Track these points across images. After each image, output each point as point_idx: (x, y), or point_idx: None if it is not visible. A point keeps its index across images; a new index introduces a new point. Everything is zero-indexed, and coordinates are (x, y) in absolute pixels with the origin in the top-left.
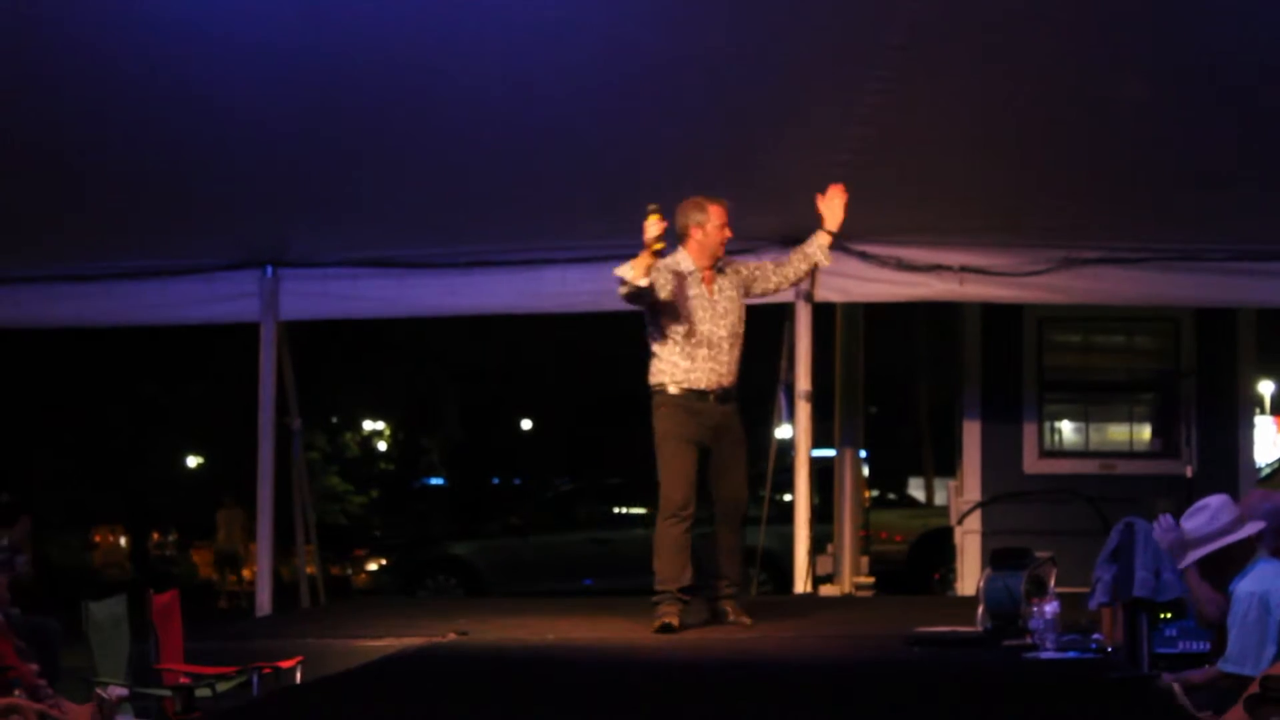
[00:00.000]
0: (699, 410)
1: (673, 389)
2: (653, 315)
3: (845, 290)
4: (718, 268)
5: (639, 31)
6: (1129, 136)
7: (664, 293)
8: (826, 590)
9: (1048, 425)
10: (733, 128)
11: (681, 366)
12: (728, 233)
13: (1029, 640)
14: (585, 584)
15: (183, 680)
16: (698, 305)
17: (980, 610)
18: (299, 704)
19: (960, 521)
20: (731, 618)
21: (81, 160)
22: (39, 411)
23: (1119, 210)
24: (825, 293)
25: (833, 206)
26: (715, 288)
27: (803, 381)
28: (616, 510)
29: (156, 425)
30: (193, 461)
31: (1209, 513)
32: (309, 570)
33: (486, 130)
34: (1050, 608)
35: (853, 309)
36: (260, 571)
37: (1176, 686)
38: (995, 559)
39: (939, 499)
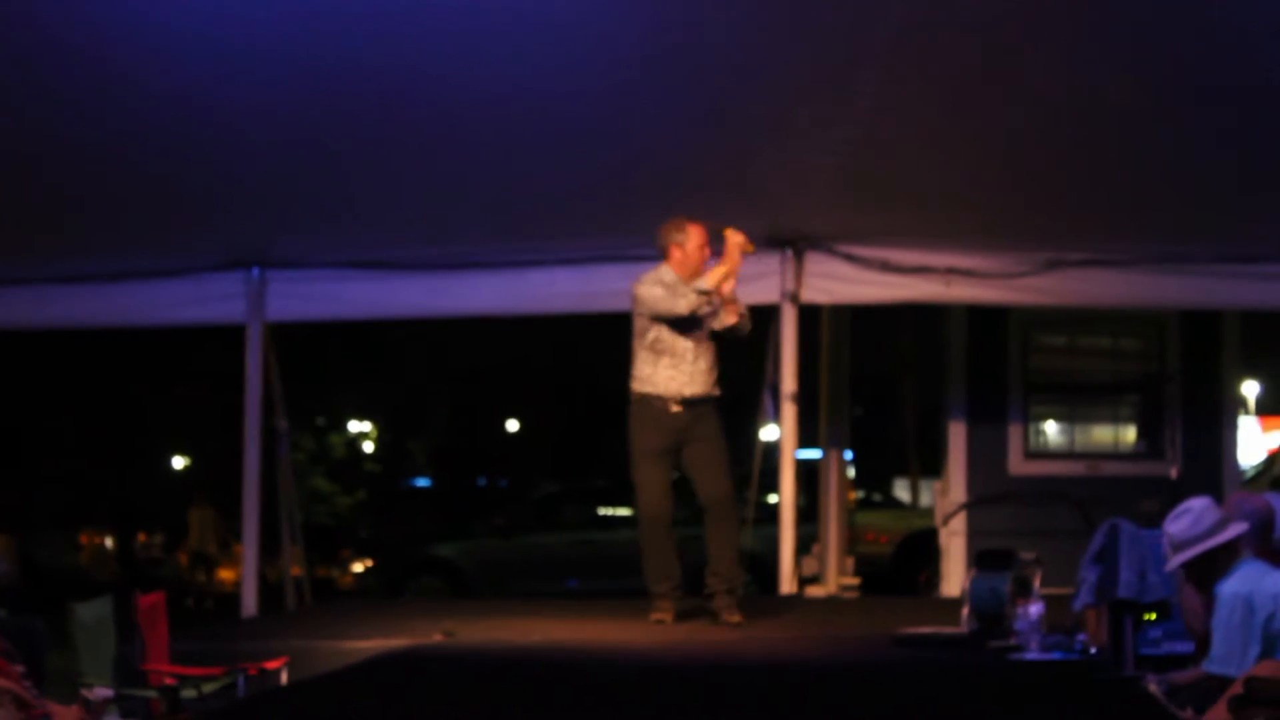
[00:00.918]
0: (659, 414)
1: (636, 393)
2: (637, 325)
3: (831, 292)
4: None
5: (628, 34)
6: (1115, 139)
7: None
8: (812, 591)
9: (1033, 427)
10: (722, 130)
11: (645, 372)
12: (707, 252)
13: (1014, 641)
14: (570, 585)
15: (168, 681)
16: (690, 319)
17: (965, 611)
18: (285, 705)
19: (946, 523)
20: (723, 616)
21: (70, 163)
22: (26, 413)
23: (1105, 213)
24: (811, 294)
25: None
26: None
27: (788, 383)
28: (602, 512)
29: (143, 427)
30: (179, 463)
31: (1193, 516)
32: (295, 571)
33: (474, 132)
34: (1035, 609)
35: (839, 311)
36: (246, 573)
37: (1156, 687)
38: (980, 560)
39: (924, 500)
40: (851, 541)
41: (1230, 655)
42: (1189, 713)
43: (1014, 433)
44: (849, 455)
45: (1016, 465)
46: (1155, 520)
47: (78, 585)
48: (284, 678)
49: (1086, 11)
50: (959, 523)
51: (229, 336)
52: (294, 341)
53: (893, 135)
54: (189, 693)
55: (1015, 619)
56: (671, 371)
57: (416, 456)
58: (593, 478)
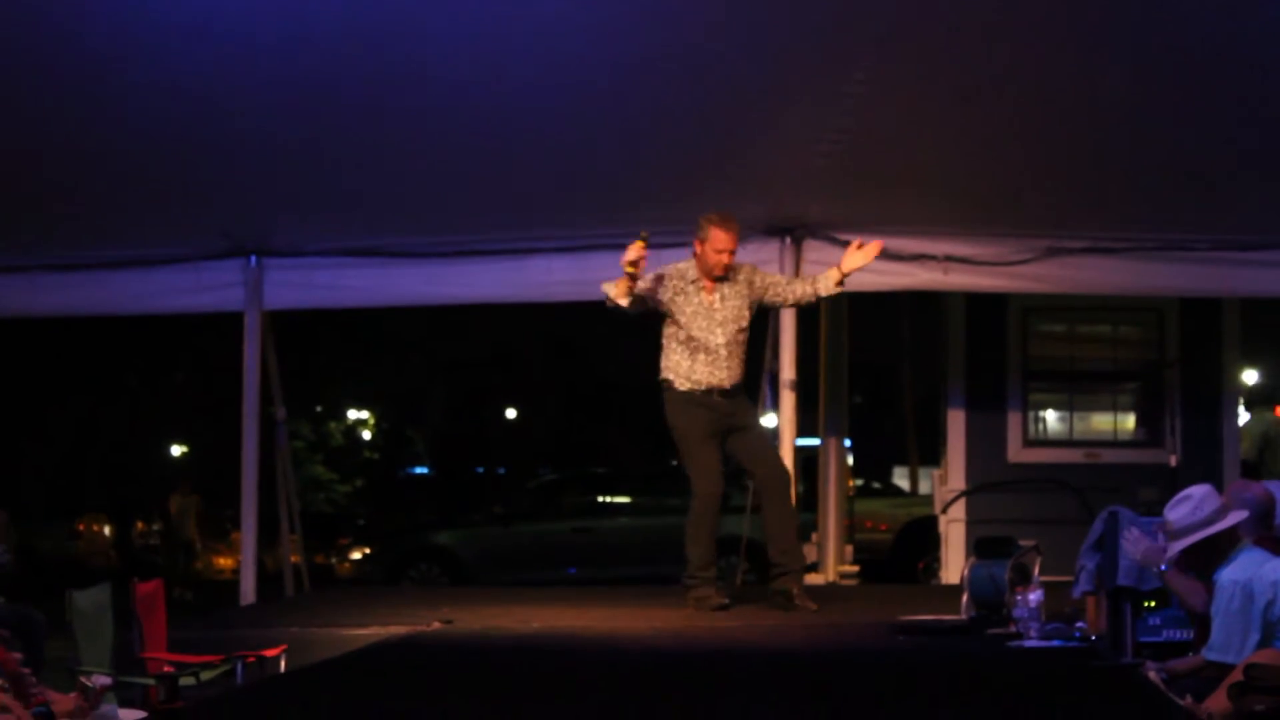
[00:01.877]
0: (703, 403)
1: (675, 384)
2: (661, 316)
3: None
4: (724, 277)
5: (624, 25)
6: (1114, 126)
7: (640, 308)
8: (811, 579)
9: (1032, 414)
10: (717, 119)
11: (683, 366)
12: (726, 258)
13: (1013, 629)
14: (569, 573)
15: (167, 669)
16: (697, 313)
17: (964, 599)
18: (283, 693)
19: (945, 510)
20: (797, 601)
21: (67, 151)
22: (23, 401)
23: (1104, 200)
24: None
25: (857, 256)
26: (716, 297)
27: (787, 371)
28: (600, 500)
29: (141, 415)
30: (177, 451)
31: (1193, 503)
32: (293, 559)
33: (472, 121)
34: (1034, 596)
35: (837, 298)
36: (244, 560)
37: (1155, 675)
38: (979, 548)
39: (923, 488)
40: (850, 529)
41: (1230, 642)
42: (1188, 700)
43: (1013, 420)
44: (848, 443)
45: (1015, 453)
46: (1154, 507)
47: (75, 573)
48: (282, 665)
49: None
50: (958, 510)
51: (227, 324)
52: (292, 330)
53: (890, 122)
54: (187, 680)
55: (1014, 606)
56: (709, 368)
57: (415, 444)
58: (591, 465)
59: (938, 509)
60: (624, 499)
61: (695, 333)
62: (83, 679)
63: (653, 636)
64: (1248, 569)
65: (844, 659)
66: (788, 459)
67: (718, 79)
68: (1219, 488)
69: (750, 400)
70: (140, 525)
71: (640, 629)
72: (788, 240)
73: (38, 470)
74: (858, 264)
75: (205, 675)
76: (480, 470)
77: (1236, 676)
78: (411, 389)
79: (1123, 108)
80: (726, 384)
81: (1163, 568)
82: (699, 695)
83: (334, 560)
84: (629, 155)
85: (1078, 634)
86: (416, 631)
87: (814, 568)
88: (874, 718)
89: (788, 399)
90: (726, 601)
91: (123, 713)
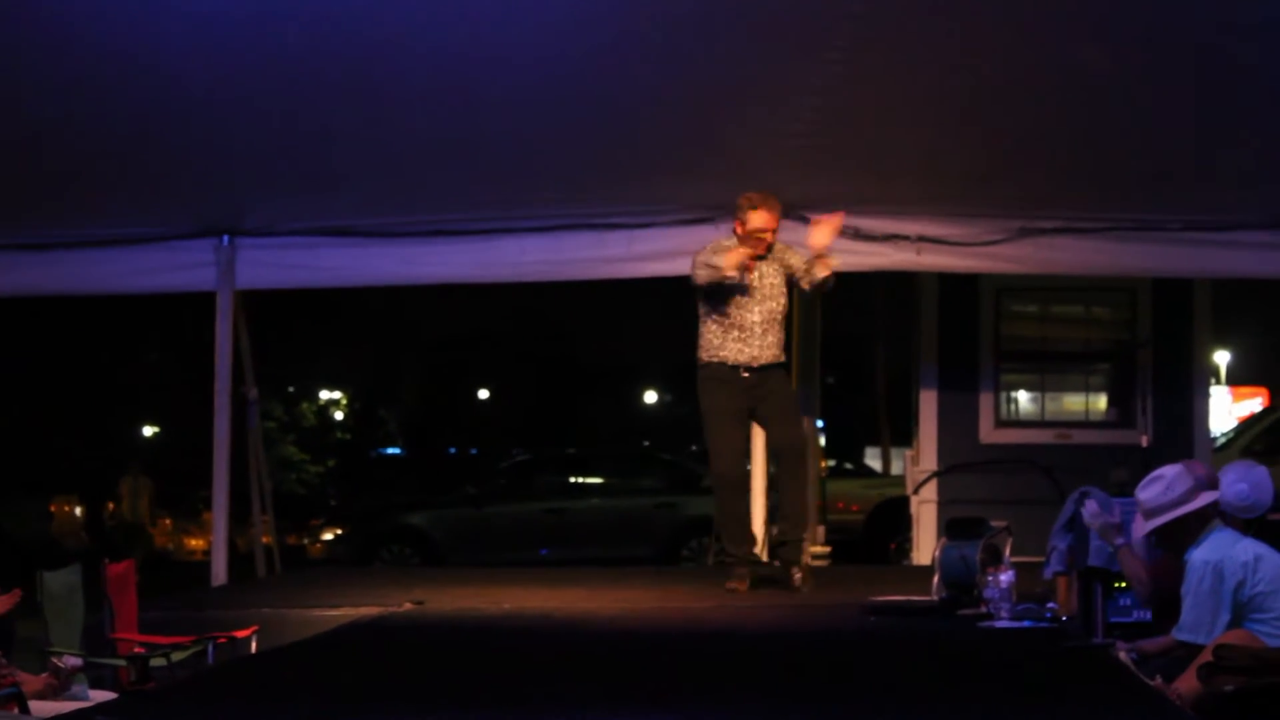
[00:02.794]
0: (730, 379)
1: (706, 360)
2: (700, 294)
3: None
4: (763, 255)
5: (597, 3)
6: (1087, 106)
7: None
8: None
9: (1004, 395)
10: (690, 98)
11: (714, 342)
12: (768, 237)
13: (984, 609)
14: (542, 554)
15: (137, 650)
16: (735, 290)
17: (936, 579)
18: (254, 673)
19: (916, 491)
20: (793, 572)
21: (36, 130)
22: None
23: (1076, 180)
24: None
25: (823, 231)
26: (756, 274)
27: None
28: (573, 481)
29: (114, 394)
30: (149, 431)
31: (1164, 483)
32: (265, 540)
33: (445, 100)
34: (1005, 577)
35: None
36: (216, 541)
37: (1126, 655)
38: (951, 528)
39: (895, 469)
40: (822, 510)
41: (1200, 623)
42: (1158, 680)
43: (985, 401)
44: (820, 424)
45: (987, 433)
46: (1126, 488)
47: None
48: (254, 646)
49: None
50: (930, 491)
51: (201, 304)
52: (265, 310)
53: (863, 103)
54: (158, 661)
55: (985, 587)
56: (740, 345)
57: (387, 425)
58: (564, 446)
59: (909, 490)
60: (596, 480)
61: (731, 309)
62: (53, 660)
63: (623, 617)
64: (1219, 550)
65: (815, 639)
66: (758, 440)
67: (691, 59)
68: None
69: (786, 375)
70: (111, 506)
71: (611, 610)
72: None
73: (9, 450)
74: (826, 240)
75: (176, 656)
76: (453, 451)
77: (1206, 657)
78: (384, 369)
79: (1096, 88)
80: (757, 362)
81: (1118, 542)
82: (670, 675)
83: (306, 541)
84: (601, 136)
85: (1049, 614)
86: (388, 612)
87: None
88: (844, 698)
89: None
90: (734, 587)
91: (93, 693)
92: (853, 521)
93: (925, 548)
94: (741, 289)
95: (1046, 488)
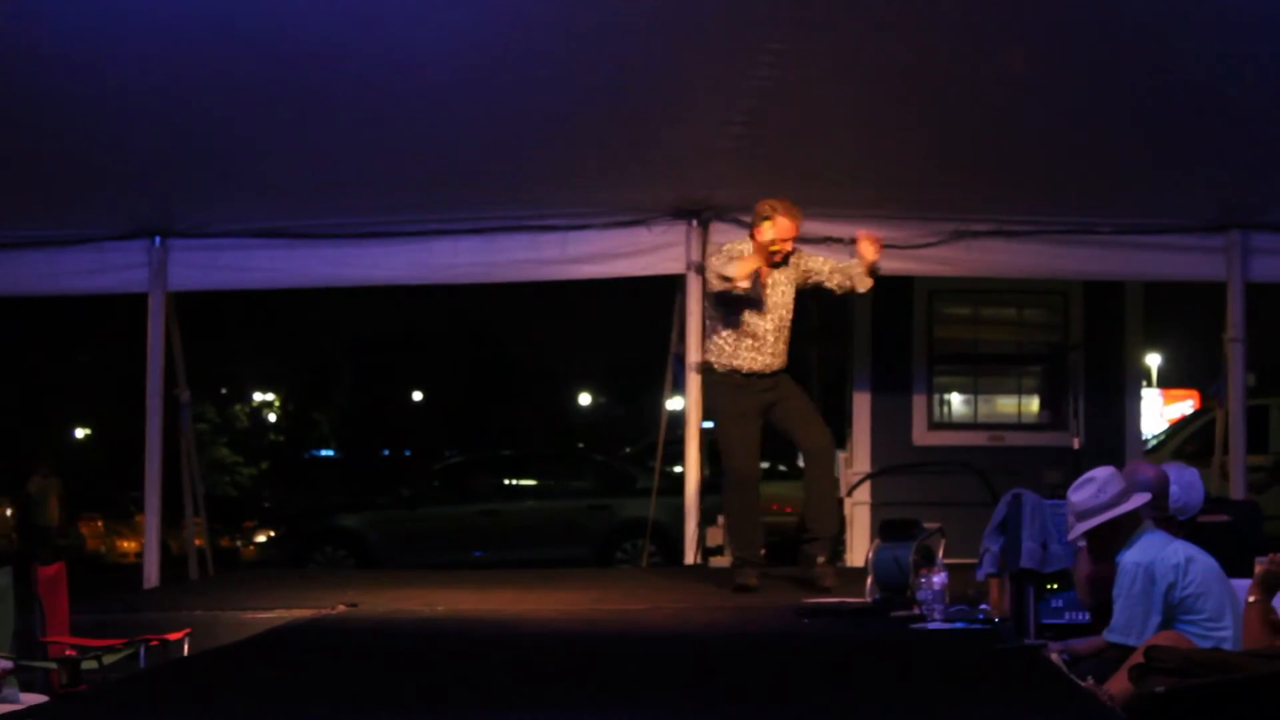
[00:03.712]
0: (743, 385)
1: (717, 367)
2: (711, 299)
3: None
4: (778, 264)
5: (532, 4)
6: (1018, 111)
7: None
8: (717, 562)
9: (937, 397)
10: (625, 101)
11: (726, 350)
12: (786, 247)
13: (917, 611)
14: (476, 555)
15: (69, 653)
16: (746, 299)
17: (869, 581)
18: (187, 676)
19: (850, 493)
20: (817, 569)
21: None
22: None
23: (1009, 184)
24: None
25: (871, 247)
26: (770, 282)
27: (693, 353)
28: (507, 482)
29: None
30: (80, 432)
31: (1096, 485)
32: (197, 542)
33: (377, 102)
34: (938, 579)
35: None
36: (148, 543)
37: (1057, 656)
38: (884, 530)
39: None
40: None
41: (1131, 624)
42: (1090, 681)
43: (918, 403)
44: None
45: (921, 436)
46: (1058, 490)
47: None
48: (186, 649)
49: None
50: (863, 493)
51: (134, 304)
52: (197, 311)
53: (797, 107)
54: (90, 664)
55: (919, 589)
56: (754, 354)
57: (321, 426)
58: (498, 448)
59: (843, 492)
60: (530, 481)
61: (744, 318)
62: None
63: (557, 620)
64: (1149, 551)
65: (748, 641)
66: (693, 441)
67: (626, 61)
68: (1122, 470)
69: (792, 378)
70: (9, 509)
71: (545, 612)
72: (694, 223)
73: None
74: (876, 255)
75: (108, 659)
76: (386, 452)
77: (1137, 658)
78: (317, 371)
79: (1027, 92)
80: (769, 369)
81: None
82: (604, 677)
83: (239, 543)
84: (536, 137)
85: (981, 616)
86: (321, 614)
87: (720, 551)
88: (775, 699)
89: (694, 381)
90: (743, 584)
91: (24, 696)
92: (787, 523)
93: (859, 550)
94: (755, 298)
95: (979, 490)
